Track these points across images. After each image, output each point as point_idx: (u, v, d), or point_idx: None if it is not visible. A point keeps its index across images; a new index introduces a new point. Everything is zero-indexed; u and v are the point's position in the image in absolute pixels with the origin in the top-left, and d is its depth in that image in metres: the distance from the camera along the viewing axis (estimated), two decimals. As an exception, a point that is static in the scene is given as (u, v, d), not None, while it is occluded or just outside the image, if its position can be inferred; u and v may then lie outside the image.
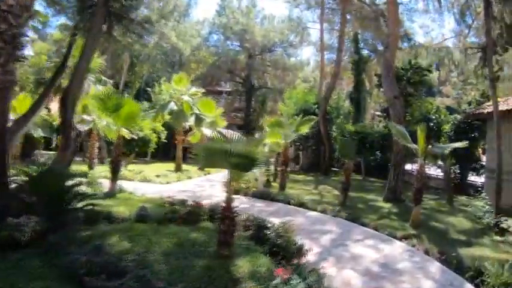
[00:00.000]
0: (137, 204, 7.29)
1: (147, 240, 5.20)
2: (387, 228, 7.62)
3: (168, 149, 23.70)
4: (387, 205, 10.59)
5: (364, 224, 7.94)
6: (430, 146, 8.38)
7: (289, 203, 9.89)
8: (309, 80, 35.94)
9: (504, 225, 7.47)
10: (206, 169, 17.11)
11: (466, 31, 12.05)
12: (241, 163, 4.70)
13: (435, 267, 5.54)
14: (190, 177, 15.31)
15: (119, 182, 9.77)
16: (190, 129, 18.85)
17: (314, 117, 14.99)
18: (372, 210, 9.72)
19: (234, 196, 5.35)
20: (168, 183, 13.08)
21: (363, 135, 16.30)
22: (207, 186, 13.16)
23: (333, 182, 15.67)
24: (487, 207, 8.68)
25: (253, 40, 35.28)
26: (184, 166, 17.25)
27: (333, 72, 20.90)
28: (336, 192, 12.69)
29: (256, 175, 11.84)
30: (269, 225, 5.80)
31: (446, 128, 13.96)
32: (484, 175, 11.88)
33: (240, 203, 8.56)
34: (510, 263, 4.81)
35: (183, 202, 7.79)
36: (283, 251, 5.05)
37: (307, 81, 34.66)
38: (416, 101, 17.02)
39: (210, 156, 4.88)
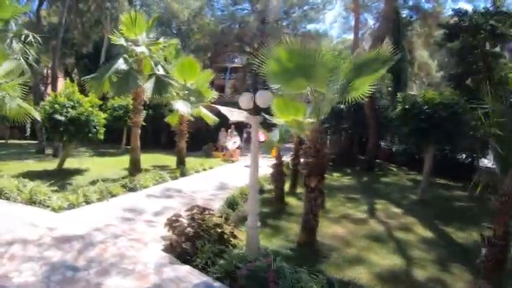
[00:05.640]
0: None
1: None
2: None
3: (156, 135, 18.69)
4: None
5: None
6: None
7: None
8: (335, 50, 29.09)
9: None
10: (190, 168, 11.38)
11: None
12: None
13: None
14: (145, 187, 8.41)
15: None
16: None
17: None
18: None
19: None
20: (69, 208, 6.10)
21: (452, 110, 8.37)
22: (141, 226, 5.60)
23: (388, 187, 10.69)
24: None
25: (266, 2, 28.75)
26: (147, 158, 11.53)
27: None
28: (414, 221, 6.93)
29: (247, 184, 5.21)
30: None
31: None
32: None
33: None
34: None
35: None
36: None
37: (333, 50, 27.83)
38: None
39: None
